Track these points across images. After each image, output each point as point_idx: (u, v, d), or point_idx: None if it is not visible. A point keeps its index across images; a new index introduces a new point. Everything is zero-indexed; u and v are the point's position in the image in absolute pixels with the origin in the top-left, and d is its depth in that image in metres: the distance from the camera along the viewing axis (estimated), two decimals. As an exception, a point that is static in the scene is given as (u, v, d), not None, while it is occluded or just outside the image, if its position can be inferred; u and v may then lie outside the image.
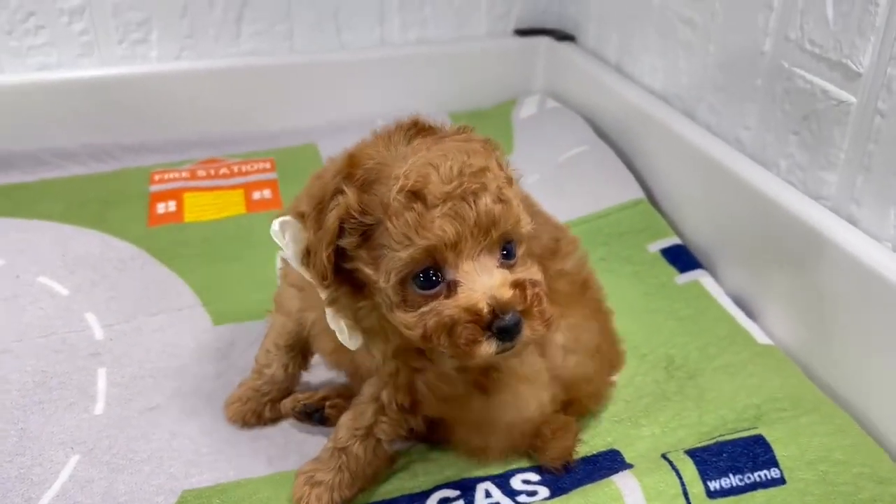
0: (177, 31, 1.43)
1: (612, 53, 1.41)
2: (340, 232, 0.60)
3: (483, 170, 0.58)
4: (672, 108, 1.21)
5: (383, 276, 0.59)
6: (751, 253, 0.99)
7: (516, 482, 0.75)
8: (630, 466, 0.75)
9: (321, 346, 0.76)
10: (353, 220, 0.59)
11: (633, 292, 1.03)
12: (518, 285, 0.58)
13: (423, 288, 0.59)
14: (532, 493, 0.74)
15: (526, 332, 0.58)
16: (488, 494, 0.74)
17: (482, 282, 0.58)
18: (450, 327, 0.58)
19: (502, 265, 0.60)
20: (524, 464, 0.78)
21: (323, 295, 0.65)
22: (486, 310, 0.57)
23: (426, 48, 1.56)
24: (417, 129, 0.64)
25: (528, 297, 0.58)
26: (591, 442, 0.80)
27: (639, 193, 1.17)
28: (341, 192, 0.59)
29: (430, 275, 0.58)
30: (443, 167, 0.57)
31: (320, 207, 0.61)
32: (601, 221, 1.15)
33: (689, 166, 1.11)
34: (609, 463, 0.77)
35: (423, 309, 0.59)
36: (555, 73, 1.56)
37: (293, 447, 0.81)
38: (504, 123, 1.47)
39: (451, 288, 0.58)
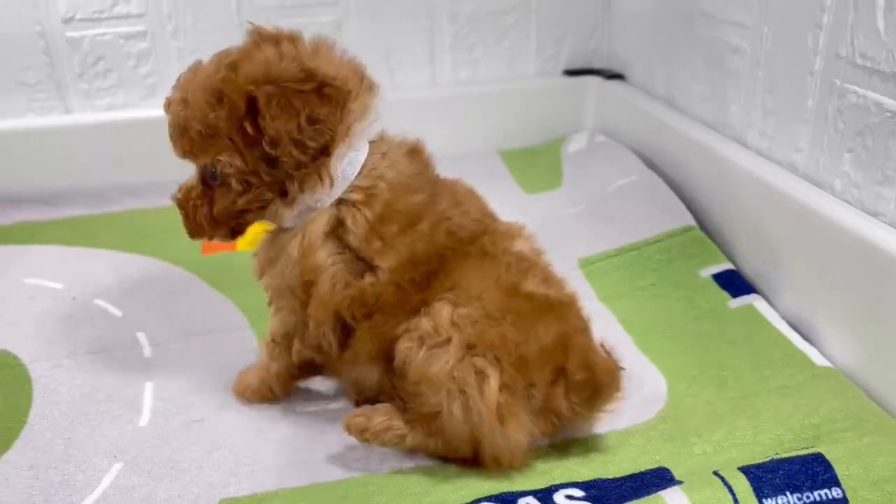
0: (236, 74, 1.49)
1: (661, 88, 1.41)
2: None
3: (178, 96, 0.76)
4: (722, 135, 1.19)
5: None
6: (807, 275, 0.96)
7: (559, 497, 0.73)
8: (679, 483, 0.72)
9: None
10: None
11: (684, 317, 1.00)
12: (186, 193, 0.80)
13: None
14: (576, 509, 0.71)
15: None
16: (531, 509, 0.71)
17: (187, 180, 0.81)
18: None
19: (204, 182, 0.78)
20: (567, 479, 0.75)
21: None
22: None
23: (476, 88, 1.58)
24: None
25: (185, 206, 0.80)
26: (639, 460, 0.77)
27: (689, 221, 1.15)
28: None
29: None
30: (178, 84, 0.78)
31: None
32: (651, 248, 1.12)
33: (741, 192, 1.09)
34: (657, 480, 0.74)
35: None
36: (604, 110, 1.56)
37: (332, 459, 0.80)
38: (554, 159, 1.47)
39: None
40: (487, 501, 0.72)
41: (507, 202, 1.32)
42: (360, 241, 0.76)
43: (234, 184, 0.76)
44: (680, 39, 1.32)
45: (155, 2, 1.42)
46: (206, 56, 0.79)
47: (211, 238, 0.82)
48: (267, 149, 0.72)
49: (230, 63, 0.75)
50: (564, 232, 1.21)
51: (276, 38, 0.78)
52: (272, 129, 0.71)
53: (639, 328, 0.99)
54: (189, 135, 0.75)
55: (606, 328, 0.98)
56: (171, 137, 0.77)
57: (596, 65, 1.62)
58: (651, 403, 0.86)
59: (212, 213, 0.79)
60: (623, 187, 1.26)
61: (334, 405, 0.89)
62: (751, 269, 1.07)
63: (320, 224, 0.77)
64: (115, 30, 1.43)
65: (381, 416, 0.78)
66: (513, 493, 0.73)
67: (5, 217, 1.37)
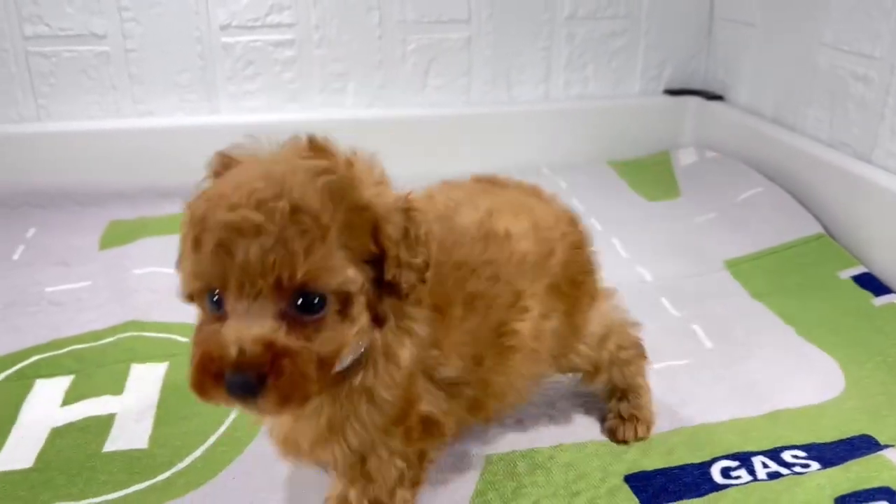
0: (371, 83, 1.60)
1: (769, 108, 1.54)
2: None
3: (275, 202, 0.53)
4: (843, 153, 1.33)
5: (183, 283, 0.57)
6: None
7: (787, 456, 0.84)
8: (889, 447, 0.84)
9: None
10: None
11: (834, 311, 1.12)
12: (270, 347, 0.53)
13: (210, 308, 0.57)
14: (805, 466, 0.83)
15: (264, 399, 0.54)
16: (766, 465, 0.83)
17: (235, 326, 0.54)
18: (194, 357, 0.55)
19: (290, 317, 0.55)
20: (787, 442, 0.86)
21: None
22: (217, 355, 0.54)
23: (586, 103, 1.71)
24: (311, 148, 0.61)
25: (268, 365, 0.53)
26: (843, 428, 0.89)
27: (818, 228, 1.28)
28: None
29: (214, 298, 0.56)
30: (235, 192, 0.54)
31: None
32: (788, 252, 1.25)
33: (869, 204, 1.22)
34: (865, 445, 0.86)
35: (201, 325, 0.58)
36: (704, 127, 1.70)
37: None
38: (666, 171, 1.61)
39: (226, 316, 0.55)
40: (725, 458, 0.84)
41: (630, 210, 1.46)
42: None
43: (355, 307, 0.58)
44: (794, 66, 1.46)
45: (305, 13, 1.52)
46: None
47: (307, 400, 0.57)
48: (391, 270, 0.59)
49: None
50: (702, 236, 1.33)
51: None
52: (394, 245, 0.59)
53: (797, 320, 1.11)
54: (311, 246, 0.54)
55: (764, 321, 1.10)
56: (263, 255, 0.53)
57: (696, 86, 1.76)
58: (831, 382, 0.97)
59: (320, 357, 0.57)
60: (751, 198, 1.39)
61: None
62: (883, 276, 1.20)
63: (407, 348, 0.65)
64: (266, 37, 1.53)
65: None
66: (745, 452, 0.85)
67: (157, 209, 1.46)
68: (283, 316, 0.55)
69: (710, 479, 0.81)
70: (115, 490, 0.79)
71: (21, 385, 0.96)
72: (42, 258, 1.30)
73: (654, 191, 1.55)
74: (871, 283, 1.16)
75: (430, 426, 0.69)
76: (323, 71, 1.57)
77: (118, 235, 1.37)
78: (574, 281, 0.79)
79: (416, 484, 0.72)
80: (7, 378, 0.98)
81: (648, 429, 0.88)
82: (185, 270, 0.57)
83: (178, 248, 0.59)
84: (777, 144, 1.46)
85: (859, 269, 1.20)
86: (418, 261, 0.60)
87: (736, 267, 1.25)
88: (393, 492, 0.70)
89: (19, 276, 1.24)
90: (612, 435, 0.88)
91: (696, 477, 0.81)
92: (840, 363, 1.01)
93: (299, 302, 0.55)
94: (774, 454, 0.85)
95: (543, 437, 0.88)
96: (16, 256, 1.31)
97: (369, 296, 0.59)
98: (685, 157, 1.62)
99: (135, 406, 0.92)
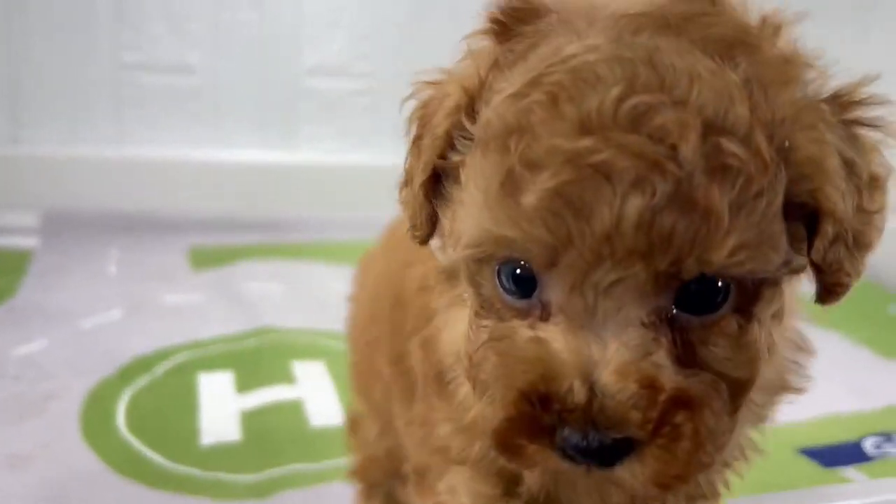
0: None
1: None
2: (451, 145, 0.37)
3: (676, 118, 0.31)
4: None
5: (452, 240, 0.37)
6: None
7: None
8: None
9: None
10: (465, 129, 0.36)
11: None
12: (652, 388, 0.32)
13: (507, 291, 0.35)
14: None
15: (632, 470, 0.33)
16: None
17: (578, 339, 0.33)
18: (503, 382, 0.34)
19: (669, 322, 0.33)
20: None
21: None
22: (563, 392, 0.32)
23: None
24: None
25: (653, 423, 0.32)
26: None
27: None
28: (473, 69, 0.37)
29: (517, 275, 0.35)
30: (609, 89, 0.31)
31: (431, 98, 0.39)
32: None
33: None
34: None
35: (491, 324, 0.36)
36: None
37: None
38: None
39: (546, 311, 0.34)
40: (873, 436, 0.94)
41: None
42: None
43: (767, 302, 0.36)
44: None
45: (382, 65, 1.62)
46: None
47: (703, 470, 0.36)
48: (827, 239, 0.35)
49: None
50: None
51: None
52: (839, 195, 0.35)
53: (865, 341, 1.24)
54: (745, 202, 0.32)
55: (837, 345, 1.22)
56: (652, 217, 0.31)
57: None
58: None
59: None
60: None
61: None
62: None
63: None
64: (346, 85, 1.62)
65: None
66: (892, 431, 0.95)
67: (236, 237, 1.49)
68: (658, 321, 0.33)
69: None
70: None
71: (185, 377, 0.99)
72: (138, 274, 1.31)
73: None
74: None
75: None
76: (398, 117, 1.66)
77: (206, 258, 1.39)
78: None
79: None
80: (167, 372, 1.00)
81: None
82: (468, 220, 0.34)
83: (426, 172, 0.38)
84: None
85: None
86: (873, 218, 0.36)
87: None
88: None
89: (123, 287, 1.25)
90: None
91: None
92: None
93: (687, 294, 0.33)
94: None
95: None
96: (112, 270, 1.32)
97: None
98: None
99: (316, 393, 0.96)
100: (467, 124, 0.36)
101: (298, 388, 0.97)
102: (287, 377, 0.99)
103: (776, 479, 0.78)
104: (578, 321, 0.33)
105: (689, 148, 0.30)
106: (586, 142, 0.31)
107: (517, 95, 0.33)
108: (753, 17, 0.36)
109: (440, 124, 0.37)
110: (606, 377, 0.32)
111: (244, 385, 0.97)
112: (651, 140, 0.30)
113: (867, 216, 0.36)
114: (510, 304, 0.35)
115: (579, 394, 0.32)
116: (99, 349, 1.04)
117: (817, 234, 0.35)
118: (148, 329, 1.11)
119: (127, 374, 0.98)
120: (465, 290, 0.39)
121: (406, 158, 0.41)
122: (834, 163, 0.34)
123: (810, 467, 0.88)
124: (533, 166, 0.31)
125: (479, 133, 0.35)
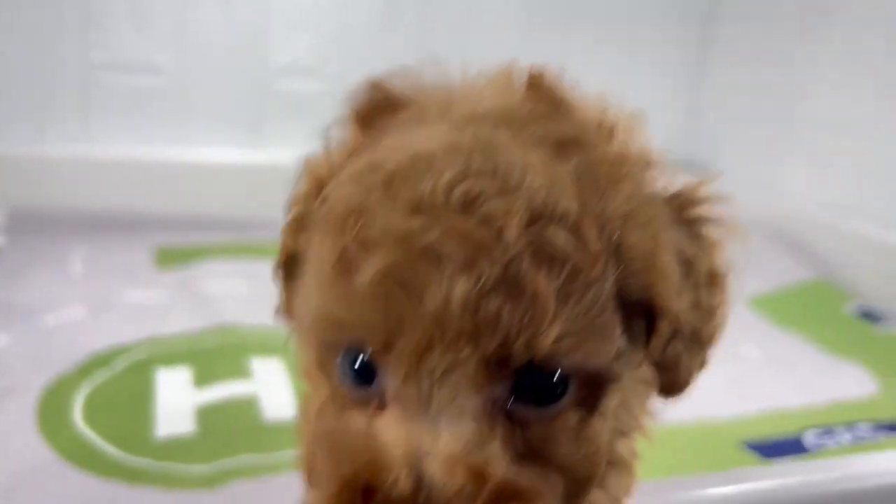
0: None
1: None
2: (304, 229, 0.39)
3: (502, 202, 0.32)
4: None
5: (297, 324, 0.38)
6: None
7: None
8: None
9: None
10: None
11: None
12: (480, 481, 0.31)
13: (349, 380, 0.35)
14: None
15: None
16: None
17: (409, 429, 0.32)
18: (328, 473, 0.34)
19: (504, 414, 0.33)
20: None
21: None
22: (373, 482, 0.32)
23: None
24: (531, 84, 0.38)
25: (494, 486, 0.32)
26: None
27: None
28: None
29: (360, 362, 0.35)
30: (443, 173, 0.32)
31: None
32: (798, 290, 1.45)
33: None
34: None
35: (331, 415, 0.36)
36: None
37: None
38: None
39: (383, 400, 0.34)
40: (813, 430, 0.97)
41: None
42: None
43: (610, 394, 0.36)
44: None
45: (350, 66, 1.64)
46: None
47: None
48: (664, 337, 0.37)
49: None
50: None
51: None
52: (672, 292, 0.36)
53: (818, 340, 1.27)
54: (571, 289, 0.33)
55: (791, 344, 1.27)
56: (478, 301, 0.31)
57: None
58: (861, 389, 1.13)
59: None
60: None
61: None
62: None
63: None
64: (314, 86, 1.64)
65: None
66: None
67: (206, 236, 1.50)
68: (493, 411, 0.33)
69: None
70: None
71: (144, 372, 1.00)
72: (104, 272, 1.32)
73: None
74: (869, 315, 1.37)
75: None
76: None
77: (173, 257, 1.41)
78: None
79: None
80: (126, 368, 1.01)
81: None
82: (308, 302, 0.35)
83: (283, 255, 0.40)
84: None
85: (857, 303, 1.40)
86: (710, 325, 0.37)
87: (757, 303, 1.43)
88: None
89: (88, 285, 1.26)
90: None
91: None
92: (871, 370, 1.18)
93: (522, 385, 0.33)
94: None
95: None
96: (78, 268, 1.33)
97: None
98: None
99: (273, 388, 0.98)
100: (316, 209, 0.37)
101: (254, 383, 0.99)
102: (244, 372, 1.01)
103: (717, 469, 0.81)
104: (412, 411, 0.32)
105: (514, 233, 0.31)
106: (417, 222, 0.31)
107: (359, 179, 0.34)
108: (601, 120, 0.38)
109: (293, 210, 0.40)
110: (434, 468, 0.31)
111: (202, 380, 0.99)
112: (479, 224, 0.31)
113: (706, 313, 0.37)
114: (352, 394, 0.35)
115: (404, 485, 0.31)
116: (61, 346, 1.05)
117: (654, 332, 0.36)
118: (110, 326, 1.12)
119: (86, 369, 0.99)
120: (318, 379, 0.38)
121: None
122: (667, 260, 0.35)
123: (751, 459, 0.91)
124: (367, 246, 0.32)
125: (322, 215, 0.36)
